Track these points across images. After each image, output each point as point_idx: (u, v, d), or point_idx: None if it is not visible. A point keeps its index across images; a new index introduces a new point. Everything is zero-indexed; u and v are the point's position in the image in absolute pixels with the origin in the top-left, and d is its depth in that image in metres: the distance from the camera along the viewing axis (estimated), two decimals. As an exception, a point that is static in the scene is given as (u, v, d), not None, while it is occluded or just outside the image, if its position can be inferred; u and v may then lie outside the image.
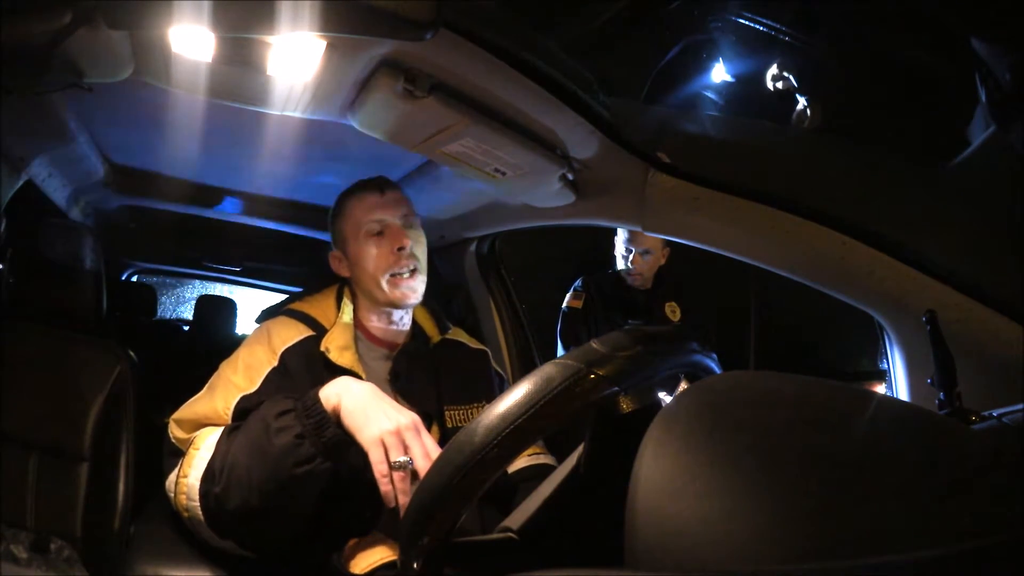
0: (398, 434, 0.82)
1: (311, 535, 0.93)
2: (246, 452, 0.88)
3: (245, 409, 0.98)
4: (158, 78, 0.89)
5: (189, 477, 0.94)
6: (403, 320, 1.18)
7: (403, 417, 0.84)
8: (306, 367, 1.06)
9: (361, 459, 0.83)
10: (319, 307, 1.17)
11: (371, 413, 0.84)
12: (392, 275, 1.11)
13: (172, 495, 0.99)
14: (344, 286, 1.21)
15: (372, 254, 1.11)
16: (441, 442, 1.11)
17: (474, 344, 1.29)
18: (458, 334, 1.29)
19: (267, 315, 1.19)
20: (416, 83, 0.85)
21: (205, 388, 1.07)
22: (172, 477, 1.00)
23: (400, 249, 1.10)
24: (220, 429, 0.97)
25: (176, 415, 1.04)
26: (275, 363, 1.05)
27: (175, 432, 1.03)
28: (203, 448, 0.95)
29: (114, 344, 1.26)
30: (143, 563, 1.04)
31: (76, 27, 0.68)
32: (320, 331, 1.12)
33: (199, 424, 1.01)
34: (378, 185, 1.15)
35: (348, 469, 0.88)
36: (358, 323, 1.17)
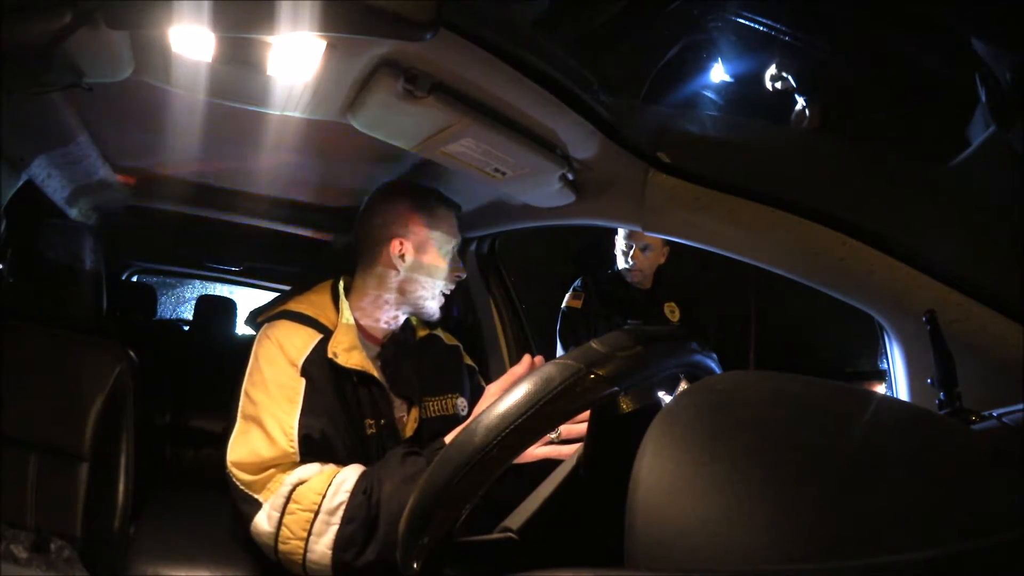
0: None
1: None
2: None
3: (308, 437, 1.00)
4: (158, 78, 0.89)
5: (312, 542, 0.94)
6: (402, 320, 1.24)
7: None
8: (327, 375, 1.07)
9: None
10: (317, 306, 1.16)
11: None
12: (442, 292, 1.22)
13: (271, 544, 0.97)
14: (338, 283, 1.21)
15: (444, 268, 1.21)
16: (419, 429, 1.16)
17: (449, 340, 1.36)
18: (436, 330, 1.35)
19: (260, 315, 1.18)
20: (416, 83, 0.84)
21: (245, 422, 1.04)
22: (264, 526, 0.98)
23: (458, 277, 1.24)
24: (334, 489, 0.95)
25: (233, 458, 1.02)
26: (302, 379, 1.05)
27: (240, 476, 1.01)
28: (324, 511, 0.94)
29: (114, 344, 1.25)
30: (143, 563, 1.04)
31: (76, 27, 0.68)
32: (326, 332, 1.12)
33: (266, 465, 1.00)
34: (459, 213, 1.25)
35: None
36: (356, 321, 1.18)
